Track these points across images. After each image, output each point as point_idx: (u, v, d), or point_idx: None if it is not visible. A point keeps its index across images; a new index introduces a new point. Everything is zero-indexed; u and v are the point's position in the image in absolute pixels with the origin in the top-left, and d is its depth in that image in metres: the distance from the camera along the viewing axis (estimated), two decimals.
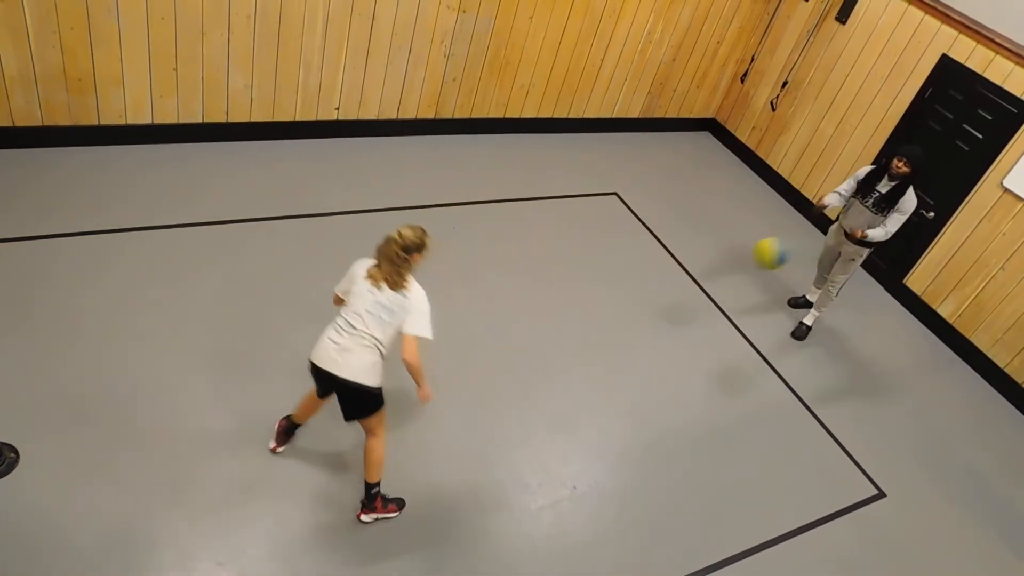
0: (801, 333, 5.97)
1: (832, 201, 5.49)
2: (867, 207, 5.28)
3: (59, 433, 3.76)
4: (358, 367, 3.42)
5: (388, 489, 3.88)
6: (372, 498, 3.76)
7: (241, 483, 3.81)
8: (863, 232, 5.26)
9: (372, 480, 3.72)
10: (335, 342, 3.44)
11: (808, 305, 6.17)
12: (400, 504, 3.89)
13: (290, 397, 4.28)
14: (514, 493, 4.19)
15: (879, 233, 5.24)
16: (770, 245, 5.15)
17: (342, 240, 5.43)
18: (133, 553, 3.41)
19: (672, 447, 4.76)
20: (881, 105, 6.88)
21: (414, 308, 3.46)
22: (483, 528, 3.97)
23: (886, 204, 5.18)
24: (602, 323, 5.52)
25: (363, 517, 3.79)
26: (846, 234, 5.49)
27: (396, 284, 3.43)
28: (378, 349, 3.46)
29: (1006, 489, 5.25)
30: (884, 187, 5.21)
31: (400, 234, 3.41)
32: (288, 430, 3.99)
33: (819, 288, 6.08)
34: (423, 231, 3.48)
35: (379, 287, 3.43)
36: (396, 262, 3.41)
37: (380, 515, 3.82)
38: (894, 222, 5.21)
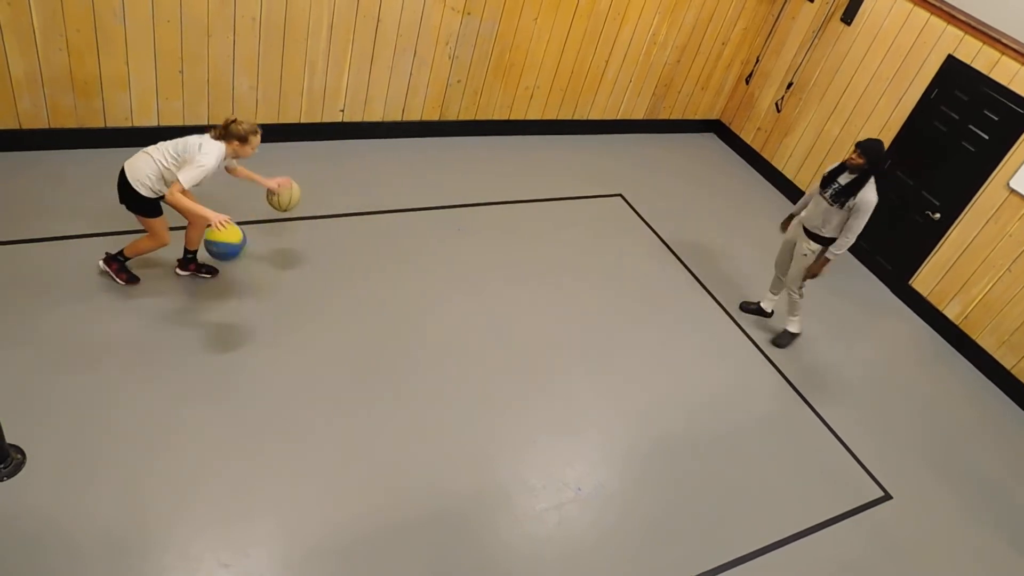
0: (783, 341, 5.83)
1: (797, 208, 5.47)
2: (825, 198, 5.16)
3: (65, 435, 3.77)
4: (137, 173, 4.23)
5: (393, 492, 3.87)
6: (114, 258, 4.61)
7: (244, 484, 3.81)
8: (823, 259, 5.28)
9: (126, 252, 4.59)
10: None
11: (761, 312, 5.99)
12: (133, 279, 4.65)
13: (290, 396, 4.29)
14: (518, 495, 4.19)
15: (841, 244, 5.17)
16: None
17: (346, 242, 5.45)
18: (138, 555, 3.42)
19: (676, 449, 4.76)
20: (886, 106, 6.87)
21: (195, 162, 4.13)
22: (487, 530, 3.97)
23: (843, 196, 5.04)
24: (606, 325, 5.52)
25: (101, 264, 4.61)
26: (804, 227, 5.35)
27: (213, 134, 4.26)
28: (157, 169, 4.23)
29: (1013, 491, 5.23)
30: (845, 179, 5.08)
31: (236, 119, 4.27)
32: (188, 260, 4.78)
33: (775, 293, 5.90)
34: (254, 129, 4.29)
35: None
36: (217, 133, 4.27)
37: (113, 276, 4.62)
38: (854, 226, 5.07)
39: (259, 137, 4.35)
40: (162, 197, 4.30)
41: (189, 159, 4.15)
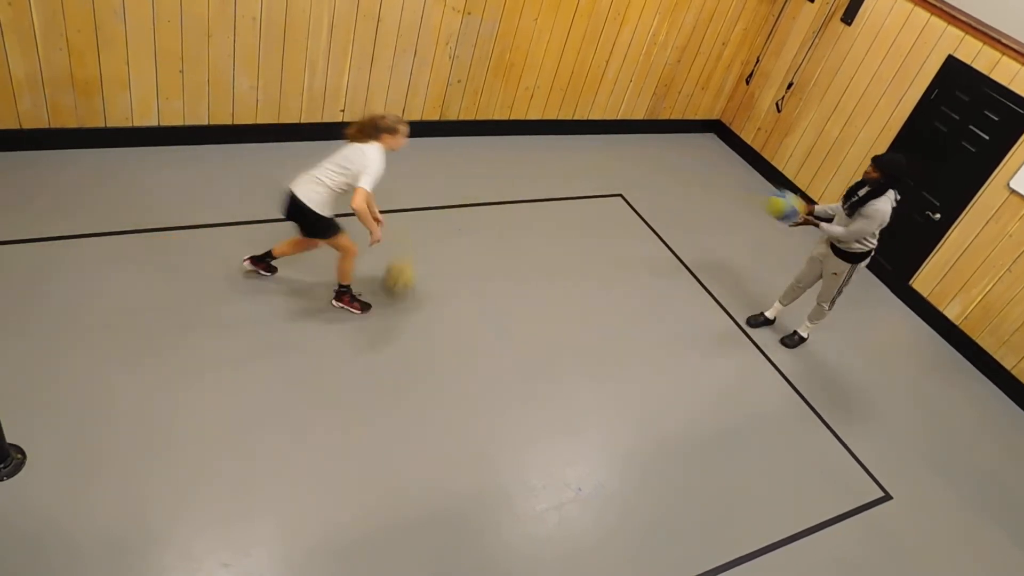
0: (791, 342, 5.85)
1: (819, 210, 5.44)
2: (844, 209, 5.19)
3: (66, 434, 3.77)
4: (312, 196, 4.37)
5: (393, 492, 3.89)
6: (340, 293, 4.88)
7: (246, 484, 3.81)
8: (812, 221, 5.25)
9: (343, 282, 4.84)
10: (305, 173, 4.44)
11: (767, 323, 5.96)
12: (367, 306, 4.93)
13: (292, 395, 4.29)
14: (518, 495, 4.19)
15: (832, 229, 5.13)
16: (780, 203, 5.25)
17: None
18: (138, 555, 3.42)
19: (677, 449, 4.76)
20: (887, 106, 6.87)
21: (370, 168, 4.26)
22: (487, 530, 3.97)
23: (858, 206, 5.06)
24: (606, 325, 5.52)
25: (336, 303, 4.89)
26: (832, 248, 5.31)
27: (357, 140, 4.37)
28: (331, 189, 4.37)
29: (1013, 491, 5.23)
30: (862, 191, 5.10)
31: (382, 115, 4.39)
32: (263, 259, 4.87)
33: (784, 304, 5.87)
34: (399, 119, 4.40)
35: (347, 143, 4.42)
36: (367, 131, 4.36)
37: (350, 309, 4.88)
38: (853, 225, 5.06)
39: (407, 127, 4.42)
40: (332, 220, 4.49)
41: (361, 167, 4.25)
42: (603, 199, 6.96)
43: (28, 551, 3.32)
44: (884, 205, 4.98)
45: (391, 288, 5.06)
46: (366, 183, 4.23)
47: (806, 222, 5.31)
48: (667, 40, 7.45)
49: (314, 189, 4.35)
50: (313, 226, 4.49)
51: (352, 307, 4.89)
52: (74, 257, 4.71)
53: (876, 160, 5.00)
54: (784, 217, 5.27)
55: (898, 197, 5.06)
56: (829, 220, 5.35)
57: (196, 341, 4.43)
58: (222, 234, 5.22)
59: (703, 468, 4.69)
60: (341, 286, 4.86)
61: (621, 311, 5.69)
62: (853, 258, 5.27)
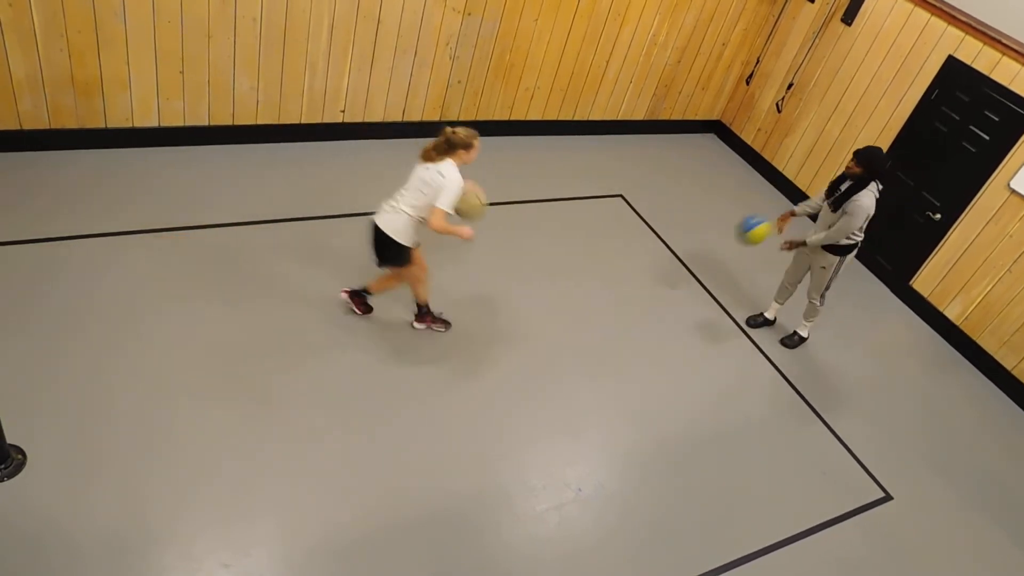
0: (792, 342, 5.86)
1: (801, 208, 5.47)
2: (828, 205, 5.21)
3: (66, 435, 3.77)
4: (395, 225, 4.32)
5: (394, 492, 3.88)
6: (422, 315, 4.90)
7: (246, 484, 3.81)
8: (799, 241, 5.34)
9: (420, 302, 4.83)
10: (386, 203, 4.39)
11: (767, 323, 5.97)
12: (447, 323, 4.97)
13: (294, 396, 4.29)
14: (519, 496, 4.19)
15: (818, 237, 5.20)
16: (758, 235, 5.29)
17: (348, 242, 5.44)
18: (138, 555, 3.42)
19: (677, 450, 4.75)
20: (887, 107, 6.87)
21: (447, 187, 4.19)
22: (487, 530, 3.97)
23: (842, 201, 5.08)
24: (606, 325, 5.52)
25: (417, 326, 4.92)
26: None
27: (432, 160, 4.26)
28: (413, 216, 4.30)
29: (1013, 491, 5.23)
30: (844, 187, 5.12)
31: (454, 130, 4.24)
32: (359, 293, 4.84)
33: (780, 303, 5.89)
34: (473, 134, 4.27)
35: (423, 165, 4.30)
36: (440, 149, 4.24)
37: (433, 327, 4.94)
38: (839, 225, 5.08)
39: (479, 139, 4.32)
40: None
41: (438, 187, 4.18)
42: (603, 199, 6.96)
43: (28, 551, 3.32)
44: (868, 200, 5.00)
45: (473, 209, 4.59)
46: (444, 203, 4.18)
47: (792, 245, 5.43)
48: (667, 40, 7.46)
49: (395, 218, 4.30)
50: (395, 256, 4.44)
51: (436, 326, 4.93)
52: (74, 257, 4.71)
53: (857, 154, 5.00)
54: (746, 229, 5.34)
55: (880, 187, 5.07)
56: (815, 215, 5.37)
57: (197, 340, 4.43)
58: (223, 234, 5.22)
59: (703, 468, 4.69)
60: (420, 306, 4.85)
61: (621, 311, 5.69)
62: (841, 251, 5.29)
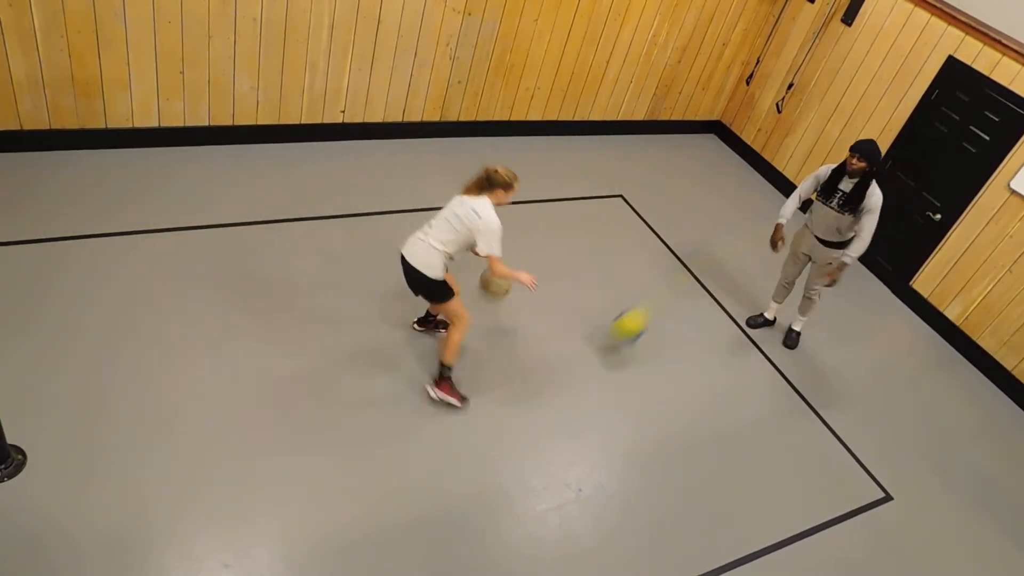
0: (792, 342, 5.85)
1: (786, 214, 5.32)
2: (832, 208, 5.10)
3: (66, 435, 3.77)
4: (423, 258, 4.16)
5: (394, 492, 3.88)
6: (441, 379, 4.46)
7: (246, 484, 3.81)
8: (840, 264, 5.16)
9: (446, 361, 4.42)
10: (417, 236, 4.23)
11: (767, 324, 5.95)
12: (465, 399, 4.53)
13: (292, 394, 4.29)
14: (519, 496, 4.19)
15: (858, 248, 5.08)
16: (632, 324, 5.08)
17: (349, 242, 5.45)
18: (138, 555, 3.41)
19: (677, 450, 4.75)
20: (887, 107, 6.87)
21: (485, 229, 4.06)
22: (488, 531, 3.97)
23: (853, 203, 5.00)
24: (606, 326, 5.51)
25: (432, 393, 4.47)
26: (819, 239, 5.28)
27: (470, 193, 4.15)
28: (440, 251, 4.14)
29: (1013, 492, 5.22)
30: (846, 185, 5.03)
31: (496, 168, 4.12)
32: (428, 320, 4.85)
33: (779, 302, 5.87)
34: (514, 175, 4.15)
35: (459, 199, 4.17)
36: (480, 185, 4.14)
37: (451, 400, 4.48)
38: (867, 226, 5.02)
39: (519, 183, 4.17)
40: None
41: (476, 228, 4.05)
42: (603, 200, 6.96)
43: (28, 551, 3.32)
44: (879, 194, 4.98)
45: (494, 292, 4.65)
46: (494, 250, 4.09)
47: (833, 279, 5.25)
48: (667, 41, 7.46)
49: (424, 252, 4.14)
50: (429, 290, 4.27)
51: (453, 397, 4.47)
52: (74, 257, 4.71)
53: (859, 149, 4.89)
54: (636, 337, 5.15)
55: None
56: (803, 209, 5.31)
57: (198, 340, 4.43)
58: (223, 234, 5.22)
59: (703, 468, 4.68)
60: (444, 367, 4.42)
61: (620, 311, 5.68)
62: (845, 245, 5.26)
